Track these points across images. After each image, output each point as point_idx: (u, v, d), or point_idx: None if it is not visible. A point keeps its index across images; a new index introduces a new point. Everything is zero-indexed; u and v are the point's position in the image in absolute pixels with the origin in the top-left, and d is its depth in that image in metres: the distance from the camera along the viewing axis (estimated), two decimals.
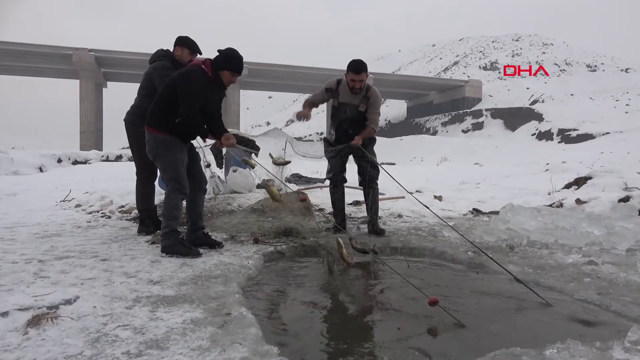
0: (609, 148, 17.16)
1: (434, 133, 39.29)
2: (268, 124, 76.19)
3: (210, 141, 4.03)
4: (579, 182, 6.81)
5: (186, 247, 3.39)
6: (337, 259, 3.34)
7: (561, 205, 6.05)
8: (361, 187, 4.73)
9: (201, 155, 4.27)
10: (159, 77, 4.02)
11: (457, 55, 73.21)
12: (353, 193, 6.54)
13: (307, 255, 3.82)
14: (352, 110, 4.42)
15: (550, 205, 6.01)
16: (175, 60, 4.18)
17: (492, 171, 11.54)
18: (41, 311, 2.05)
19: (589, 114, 31.84)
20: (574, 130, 29.14)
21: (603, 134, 26.27)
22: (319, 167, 11.51)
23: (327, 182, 5.20)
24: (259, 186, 7.22)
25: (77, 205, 6.34)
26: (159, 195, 4.69)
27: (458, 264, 3.56)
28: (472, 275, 3.26)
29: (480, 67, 61.75)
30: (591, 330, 2.20)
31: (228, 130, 3.82)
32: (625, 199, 5.53)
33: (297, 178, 9.65)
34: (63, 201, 6.77)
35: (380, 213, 4.91)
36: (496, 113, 37.06)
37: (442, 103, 43.84)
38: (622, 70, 51.35)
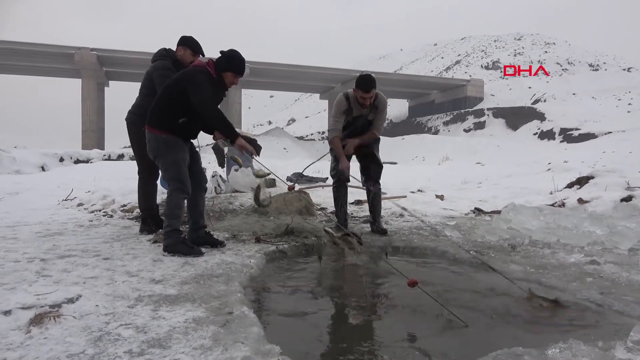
0: (611, 147, 17.12)
1: (436, 132, 39.26)
2: (270, 123, 76.22)
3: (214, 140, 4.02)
4: (581, 181, 6.79)
5: (188, 246, 3.39)
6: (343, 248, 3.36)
7: (563, 204, 6.04)
8: (364, 187, 4.73)
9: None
10: (158, 76, 4.02)
11: (459, 55, 73.12)
12: (355, 192, 6.54)
13: (308, 255, 3.82)
14: (362, 121, 4.50)
15: (552, 205, 6.00)
16: (177, 60, 4.18)
17: (494, 170, 11.52)
18: (44, 310, 2.05)
19: (591, 113, 31.79)
20: (576, 129, 29.10)
21: (605, 134, 26.22)
22: (320, 167, 11.50)
23: (329, 181, 5.20)
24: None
25: (79, 204, 6.35)
26: (161, 194, 4.69)
27: (460, 263, 3.56)
28: (473, 274, 3.25)
29: (482, 66, 61.70)
30: (593, 330, 2.19)
31: None
32: (628, 199, 5.52)
33: (298, 177, 9.65)
34: (65, 200, 6.78)
35: (382, 212, 4.91)
36: (498, 112, 37.02)
37: (443, 102, 43.79)
38: (624, 69, 51.22)
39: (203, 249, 3.45)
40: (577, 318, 2.36)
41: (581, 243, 3.90)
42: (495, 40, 75.91)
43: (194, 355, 1.70)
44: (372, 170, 4.53)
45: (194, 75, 3.39)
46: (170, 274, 2.83)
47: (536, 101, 38.57)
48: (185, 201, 3.62)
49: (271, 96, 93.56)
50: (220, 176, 7.17)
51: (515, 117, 35.15)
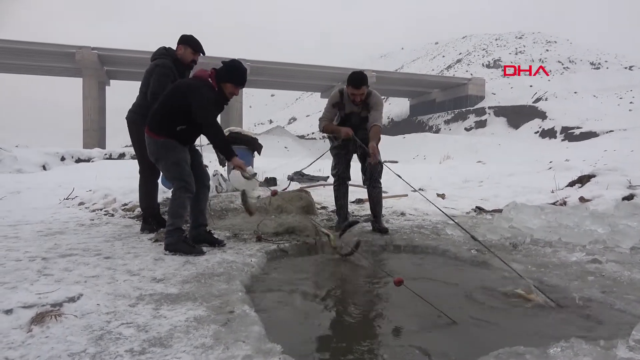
0: (613, 146, 17.11)
1: (437, 131, 39.23)
2: (271, 122, 76.29)
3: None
4: (583, 180, 6.78)
5: (189, 245, 3.40)
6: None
7: (565, 203, 6.03)
8: (365, 186, 4.72)
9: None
10: (157, 74, 4.01)
11: (460, 53, 73.03)
12: (356, 191, 6.54)
13: (309, 254, 3.82)
14: (356, 118, 4.47)
15: (554, 204, 5.99)
16: (177, 59, 4.18)
17: (495, 169, 11.51)
18: (45, 309, 2.05)
19: (593, 111, 31.73)
20: (578, 128, 29.07)
21: (607, 132, 26.18)
22: (321, 165, 11.50)
23: (330, 180, 5.20)
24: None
25: (81, 203, 6.36)
26: (162, 193, 4.69)
27: (461, 262, 3.55)
28: (474, 273, 3.25)
29: (483, 64, 61.63)
30: (595, 328, 2.19)
31: (230, 128, 3.83)
32: (629, 197, 5.51)
33: (299, 176, 9.64)
34: (66, 199, 6.79)
35: (383, 211, 4.91)
36: (499, 111, 36.98)
37: (445, 101, 43.76)
38: (626, 67, 51.12)
39: (204, 248, 3.46)
40: (578, 317, 2.36)
41: (583, 242, 3.89)
42: (496, 39, 75.82)
43: (195, 354, 1.70)
44: (372, 169, 4.51)
45: (200, 91, 3.40)
46: (171, 272, 2.83)
47: (537, 100, 38.53)
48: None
49: (272, 95, 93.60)
50: (222, 175, 7.18)
51: (517, 115, 35.11)
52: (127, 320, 2.03)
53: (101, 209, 5.86)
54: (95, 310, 2.13)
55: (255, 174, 4.17)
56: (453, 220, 3.83)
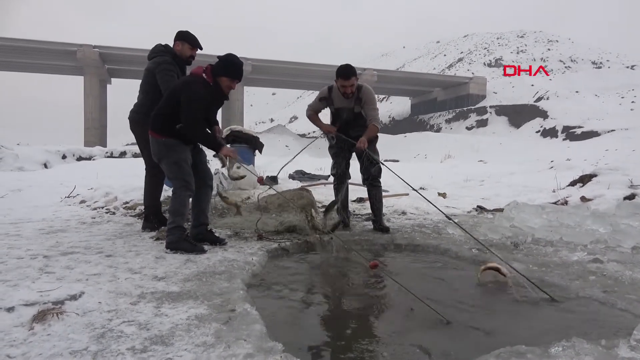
0: (614, 145, 17.09)
1: (438, 130, 39.20)
2: (272, 120, 76.24)
3: None
4: (584, 179, 6.78)
5: (191, 243, 3.40)
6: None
7: (566, 202, 6.03)
8: (364, 185, 4.73)
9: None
10: (161, 71, 4.02)
11: (462, 52, 72.90)
12: (357, 190, 6.54)
13: (310, 252, 3.82)
14: (348, 113, 4.47)
15: (555, 203, 5.99)
16: (176, 55, 4.17)
17: (497, 168, 11.51)
18: (47, 306, 2.06)
19: (594, 111, 31.68)
20: (579, 127, 29.02)
21: (608, 132, 26.15)
22: (322, 164, 11.51)
23: (332, 179, 5.19)
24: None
25: (82, 202, 6.36)
26: (163, 191, 4.69)
27: (462, 261, 3.55)
28: (475, 272, 3.24)
29: (484, 63, 61.49)
30: (596, 328, 2.18)
31: (230, 127, 3.83)
32: (631, 197, 5.51)
33: (300, 175, 9.65)
34: (68, 197, 6.80)
35: (384, 210, 4.91)
36: (500, 110, 36.93)
37: (446, 100, 43.69)
38: (627, 67, 51.00)
39: (205, 247, 3.46)
40: (580, 316, 2.35)
41: (584, 241, 3.89)
42: (498, 38, 75.65)
43: (196, 353, 1.70)
44: (371, 168, 4.51)
45: (189, 88, 3.40)
46: (172, 271, 2.84)
47: (539, 99, 38.46)
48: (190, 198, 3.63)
49: (273, 94, 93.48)
50: (223, 174, 7.17)
51: (518, 115, 35.06)
52: (129, 318, 2.03)
53: (102, 207, 5.87)
54: (97, 308, 2.13)
55: (245, 175, 4.21)
56: (452, 221, 3.83)
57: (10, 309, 2.04)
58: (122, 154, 16.52)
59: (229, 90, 3.58)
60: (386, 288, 2.89)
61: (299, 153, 5.18)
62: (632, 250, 3.66)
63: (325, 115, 4.74)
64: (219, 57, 3.53)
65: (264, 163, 8.37)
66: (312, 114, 4.71)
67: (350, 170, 4.77)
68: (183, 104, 3.37)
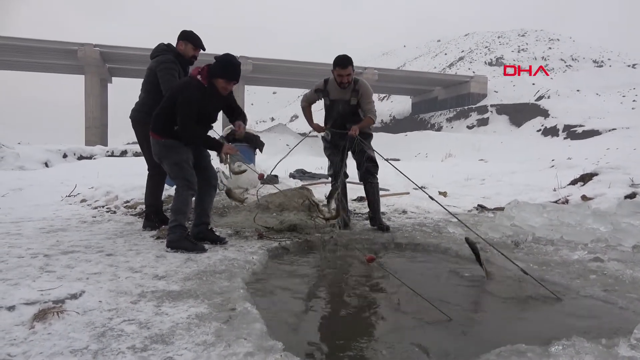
0: (615, 144, 17.07)
1: (439, 129, 39.20)
2: (272, 119, 76.26)
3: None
4: (585, 178, 6.76)
5: (191, 242, 3.41)
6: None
7: (567, 201, 6.02)
8: (362, 183, 4.73)
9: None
10: (163, 70, 4.02)
11: (463, 51, 72.84)
12: (357, 189, 6.53)
13: (311, 251, 3.82)
14: (344, 105, 4.46)
15: (556, 202, 5.99)
16: (179, 55, 4.17)
17: (497, 167, 11.50)
18: (47, 305, 2.06)
19: (595, 109, 31.66)
20: (580, 126, 29.01)
21: (609, 130, 26.13)
22: (322, 163, 11.50)
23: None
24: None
25: (83, 200, 6.37)
26: (164, 190, 4.70)
27: (463, 260, 3.55)
28: (475, 271, 3.24)
29: (485, 62, 61.42)
30: (597, 327, 2.18)
31: (231, 126, 3.82)
32: (632, 196, 5.50)
33: (301, 174, 9.66)
34: (68, 196, 6.80)
35: (384, 209, 4.91)
36: (501, 109, 36.92)
37: (447, 99, 43.69)
38: (629, 65, 50.94)
39: (206, 246, 3.46)
40: (580, 315, 2.35)
41: (585, 240, 3.89)
42: (498, 37, 75.56)
43: (196, 351, 1.70)
44: (367, 165, 4.51)
45: (184, 91, 3.40)
46: (173, 270, 2.84)
47: (540, 98, 38.43)
48: (193, 198, 3.64)
49: (274, 92, 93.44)
50: (223, 172, 7.17)
51: (519, 113, 35.06)
52: (129, 317, 2.03)
53: (103, 206, 5.88)
54: (97, 307, 2.13)
55: (245, 170, 4.23)
56: (456, 217, 3.82)
57: (11, 308, 2.04)
58: (123, 153, 16.55)
59: (225, 92, 3.54)
60: (386, 287, 2.89)
61: (288, 153, 5.16)
62: (633, 249, 3.65)
63: (317, 116, 4.73)
64: (215, 57, 3.50)
65: (264, 160, 8.37)
66: (306, 106, 4.74)
67: (348, 170, 4.77)
68: (177, 107, 3.38)
